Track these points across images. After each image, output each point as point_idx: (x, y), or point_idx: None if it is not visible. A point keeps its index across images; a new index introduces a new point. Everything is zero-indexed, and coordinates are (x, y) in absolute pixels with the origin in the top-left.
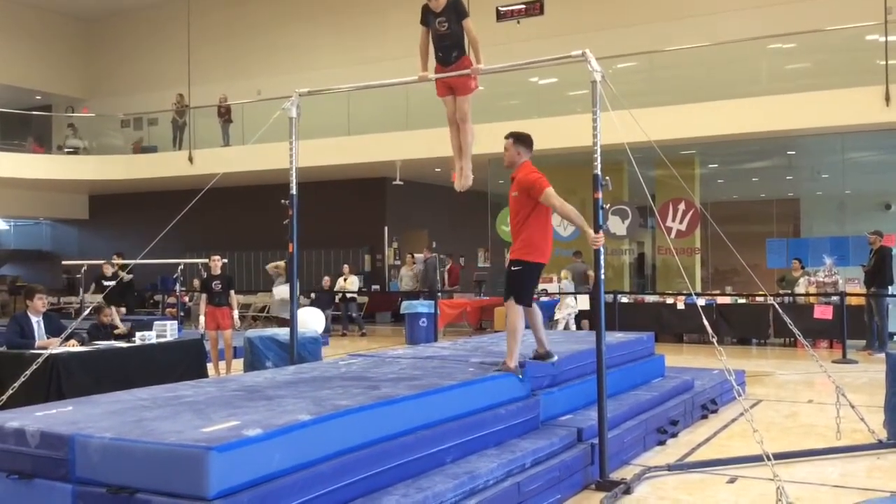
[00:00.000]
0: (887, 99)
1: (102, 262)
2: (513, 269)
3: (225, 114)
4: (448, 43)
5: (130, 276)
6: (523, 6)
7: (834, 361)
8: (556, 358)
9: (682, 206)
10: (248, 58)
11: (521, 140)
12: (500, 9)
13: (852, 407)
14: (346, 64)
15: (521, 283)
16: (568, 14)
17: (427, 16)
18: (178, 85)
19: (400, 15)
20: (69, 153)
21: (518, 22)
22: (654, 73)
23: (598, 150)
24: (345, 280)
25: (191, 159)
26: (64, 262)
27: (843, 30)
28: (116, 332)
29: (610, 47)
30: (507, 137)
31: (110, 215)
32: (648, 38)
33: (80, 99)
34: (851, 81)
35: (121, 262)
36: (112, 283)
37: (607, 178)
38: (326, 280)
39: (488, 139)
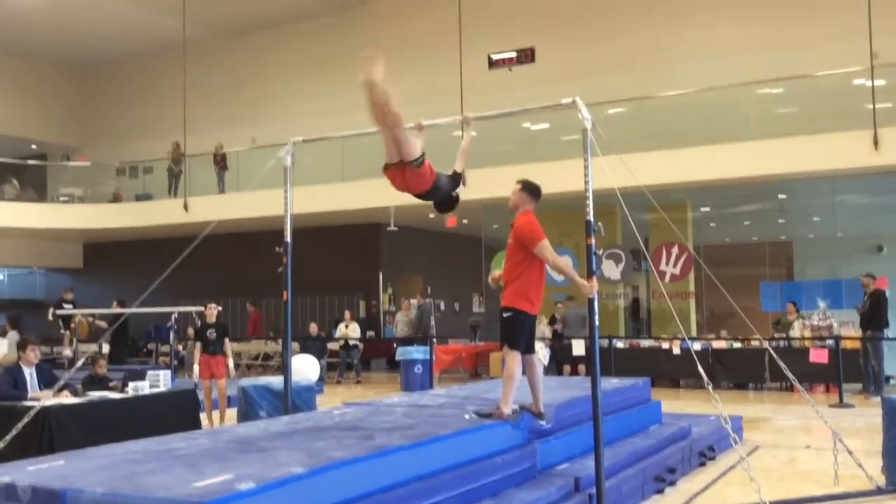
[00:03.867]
0: (876, 143)
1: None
2: (504, 315)
3: (221, 161)
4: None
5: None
6: (515, 54)
7: (831, 406)
8: (545, 422)
9: (675, 250)
10: (242, 106)
11: (529, 189)
12: (492, 57)
13: (850, 452)
14: (339, 111)
15: (512, 329)
16: (558, 62)
17: None
18: (173, 133)
19: (391, 61)
20: (64, 202)
21: (510, 69)
22: (644, 118)
23: (591, 197)
24: (346, 327)
25: (186, 207)
26: (58, 312)
27: (830, 75)
28: (111, 384)
29: (600, 93)
30: (517, 183)
31: (105, 263)
32: (638, 84)
33: (76, 147)
34: (840, 126)
35: (119, 309)
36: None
37: (600, 223)
38: (313, 327)
39: (482, 184)
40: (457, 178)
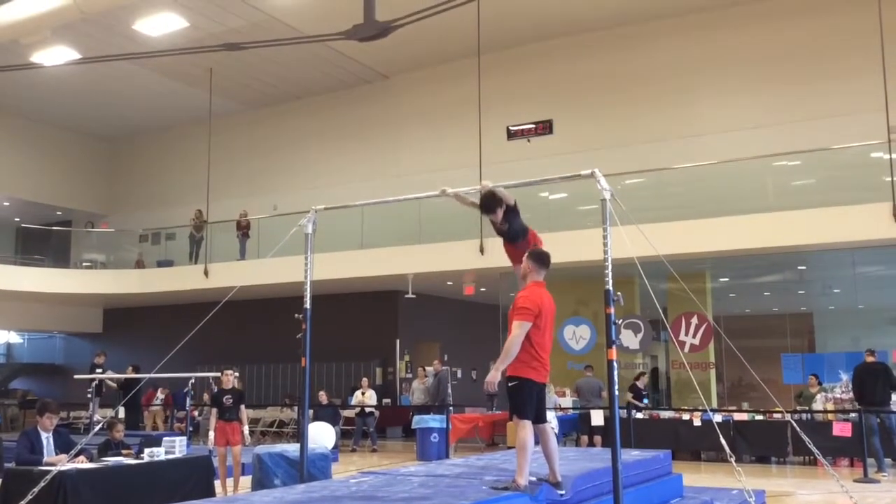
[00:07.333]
0: (895, 215)
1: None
2: (509, 384)
3: (244, 228)
4: (512, 234)
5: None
6: (533, 126)
7: (855, 480)
8: (563, 492)
9: (694, 320)
10: (264, 174)
11: (535, 257)
12: (510, 128)
13: None
14: (360, 179)
15: (519, 398)
16: (576, 133)
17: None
18: (196, 200)
19: (412, 132)
20: (86, 267)
21: (528, 140)
22: (662, 189)
23: (610, 267)
24: (363, 394)
25: (206, 273)
26: (76, 377)
27: (847, 148)
28: (125, 452)
29: (617, 164)
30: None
31: (124, 328)
32: (655, 156)
33: (100, 214)
34: (859, 198)
35: (133, 375)
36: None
37: (619, 293)
38: (322, 395)
39: (499, 253)
40: (515, 208)
